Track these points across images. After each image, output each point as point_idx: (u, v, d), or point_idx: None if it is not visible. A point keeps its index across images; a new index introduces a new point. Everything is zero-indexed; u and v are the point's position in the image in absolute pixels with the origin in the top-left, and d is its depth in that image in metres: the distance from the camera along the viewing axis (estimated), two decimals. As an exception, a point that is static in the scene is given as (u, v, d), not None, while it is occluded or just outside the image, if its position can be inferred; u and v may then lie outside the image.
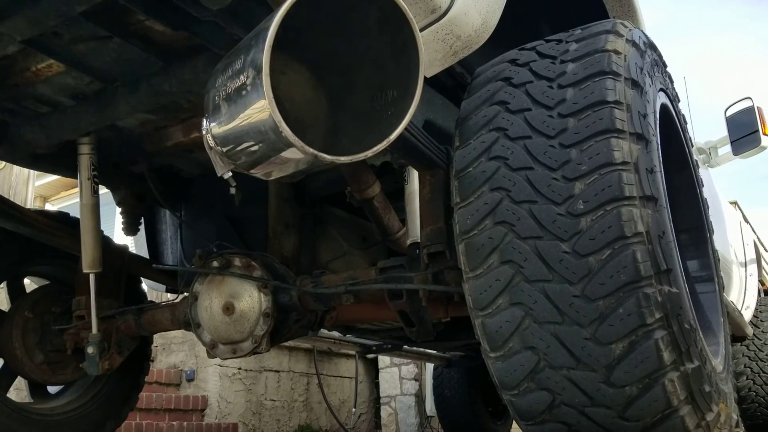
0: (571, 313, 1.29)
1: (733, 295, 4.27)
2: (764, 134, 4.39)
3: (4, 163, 3.06)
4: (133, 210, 2.43)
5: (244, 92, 1.16)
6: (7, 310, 2.34)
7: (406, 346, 3.97)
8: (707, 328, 1.89)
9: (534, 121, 1.43)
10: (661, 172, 1.48)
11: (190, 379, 5.18)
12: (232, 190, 1.56)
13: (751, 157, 4.57)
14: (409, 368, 6.59)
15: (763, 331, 4.92)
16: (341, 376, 6.55)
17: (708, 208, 2.18)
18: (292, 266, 2.12)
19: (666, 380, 1.25)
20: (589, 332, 1.28)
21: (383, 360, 6.74)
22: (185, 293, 2.16)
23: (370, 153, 1.22)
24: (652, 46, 1.70)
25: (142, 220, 2.55)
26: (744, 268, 4.82)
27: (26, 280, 2.52)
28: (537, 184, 1.37)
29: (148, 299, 2.73)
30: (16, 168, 5.80)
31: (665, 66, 1.83)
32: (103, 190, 2.18)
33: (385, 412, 6.67)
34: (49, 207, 8.63)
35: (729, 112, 4.66)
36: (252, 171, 1.33)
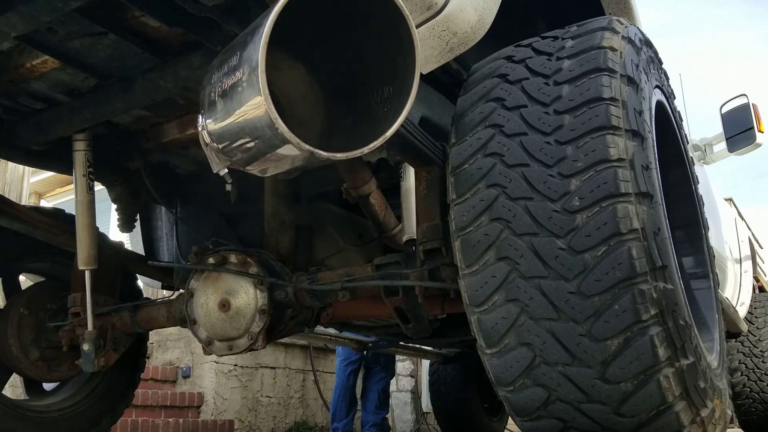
0: (566, 310, 1.30)
1: (728, 292, 4.28)
2: (759, 131, 4.40)
3: (-2, 159, 3.05)
4: (128, 207, 2.42)
5: (239, 89, 1.16)
6: (2, 307, 2.33)
7: (402, 343, 3.97)
8: (702, 324, 1.89)
9: (530, 117, 1.43)
10: (656, 168, 1.49)
11: (186, 376, 5.18)
12: (228, 187, 1.55)
13: (746, 154, 4.58)
14: (405, 365, 6.60)
15: (757, 328, 4.94)
16: (337, 373, 6.54)
17: (703, 204, 2.19)
18: (288, 263, 2.12)
19: (661, 376, 1.25)
20: (584, 329, 1.29)
21: (379, 357, 6.73)
22: (181, 290, 2.16)
23: (366, 150, 1.22)
24: (648, 43, 1.70)
25: (138, 216, 2.55)
26: (739, 265, 4.83)
27: (21, 277, 2.51)
28: (533, 180, 1.37)
29: (144, 296, 2.72)
30: (11, 164, 5.78)
31: (661, 63, 1.83)
32: (98, 187, 2.17)
33: (381, 408, 6.67)
34: (45, 204, 8.60)
35: (724, 109, 4.66)
36: (248, 168, 1.33)
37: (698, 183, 2.19)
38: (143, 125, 2.12)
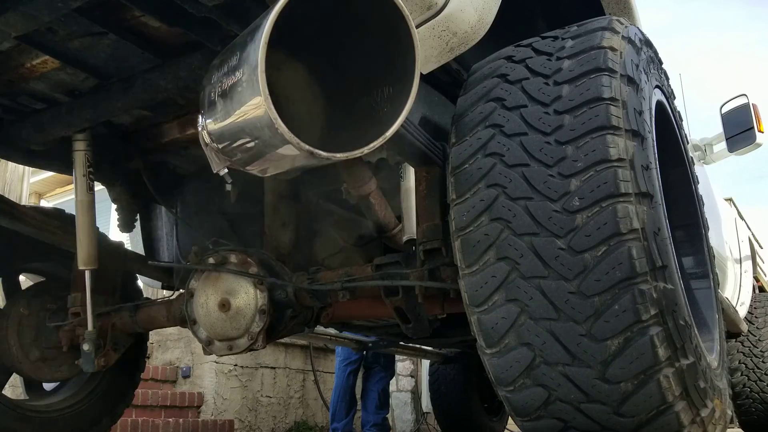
0: (566, 310, 1.30)
1: (728, 292, 4.28)
2: (759, 131, 4.40)
3: (-2, 159, 3.04)
4: (128, 206, 2.42)
5: (239, 89, 1.16)
6: (2, 307, 2.33)
7: (402, 343, 3.97)
8: (702, 324, 1.89)
9: (530, 117, 1.43)
10: (656, 168, 1.49)
11: (186, 376, 5.18)
12: (228, 187, 1.56)
13: (746, 154, 4.58)
14: (405, 365, 6.59)
15: (757, 328, 4.94)
16: (337, 373, 6.54)
17: (703, 204, 2.19)
18: (288, 263, 2.12)
19: (661, 376, 1.25)
20: (584, 329, 1.29)
21: (379, 357, 6.73)
22: (181, 290, 2.16)
23: (366, 150, 1.22)
24: (648, 43, 1.70)
25: (138, 216, 2.55)
26: (739, 265, 4.83)
27: (21, 277, 2.51)
28: (533, 180, 1.37)
29: (144, 296, 2.72)
30: (11, 164, 5.78)
31: (661, 63, 1.83)
32: (98, 187, 2.17)
33: (381, 408, 6.66)
34: (45, 204, 8.60)
35: (724, 109, 4.66)
36: (248, 168, 1.33)
37: (698, 183, 2.19)
38: (143, 125, 2.12)
